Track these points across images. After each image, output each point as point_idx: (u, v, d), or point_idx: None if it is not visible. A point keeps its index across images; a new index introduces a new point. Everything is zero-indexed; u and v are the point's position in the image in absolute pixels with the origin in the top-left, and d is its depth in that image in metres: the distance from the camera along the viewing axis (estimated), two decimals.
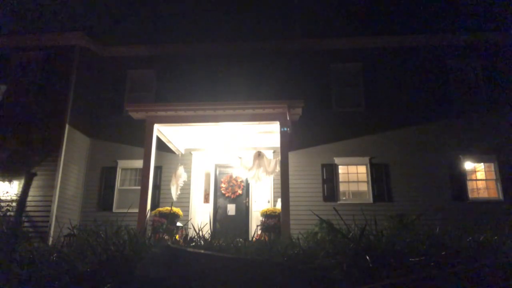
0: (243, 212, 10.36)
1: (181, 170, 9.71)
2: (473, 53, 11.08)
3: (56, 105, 10.15)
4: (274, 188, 10.12)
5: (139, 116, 8.82)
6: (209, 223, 7.76)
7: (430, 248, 1.81)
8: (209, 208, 10.43)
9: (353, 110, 10.90)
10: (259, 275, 1.14)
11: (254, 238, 3.98)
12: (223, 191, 10.58)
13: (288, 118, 8.44)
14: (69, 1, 12.75)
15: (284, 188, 7.82)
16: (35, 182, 9.43)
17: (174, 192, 9.47)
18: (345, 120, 10.72)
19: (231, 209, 10.42)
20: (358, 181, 10.33)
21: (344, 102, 11.03)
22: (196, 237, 3.09)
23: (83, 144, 10.73)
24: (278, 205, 8.74)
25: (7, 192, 9.41)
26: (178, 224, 8.94)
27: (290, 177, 8.26)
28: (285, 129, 8.23)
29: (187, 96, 10.68)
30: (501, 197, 9.78)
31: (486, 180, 10.27)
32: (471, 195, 9.95)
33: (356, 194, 10.27)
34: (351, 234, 2.21)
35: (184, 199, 9.94)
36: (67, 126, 9.96)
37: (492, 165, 10.16)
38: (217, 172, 10.78)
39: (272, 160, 9.58)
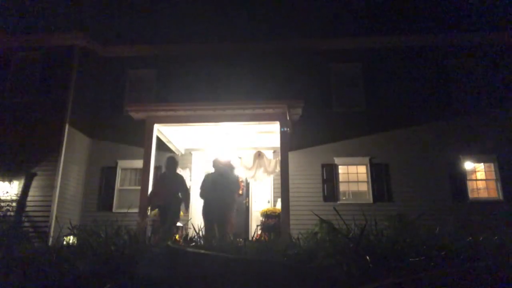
0: (243, 212, 10.35)
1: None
2: (473, 53, 11.08)
3: (56, 105, 10.15)
4: (274, 188, 10.12)
5: (139, 116, 8.82)
6: None
7: (430, 248, 1.81)
8: None
9: (353, 110, 10.90)
10: (259, 275, 1.14)
11: (254, 238, 3.98)
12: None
13: (288, 118, 8.44)
14: (69, 1, 12.75)
15: (284, 188, 7.82)
16: (35, 182, 9.44)
17: None
18: (345, 120, 10.72)
19: None
20: (358, 181, 10.33)
21: (344, 102, 11.03)
22: (196, 237, 3.09)
23: (83, 144, 10.73)
24: (278, 205, 8.74)
25: (7, 192, 9.40)
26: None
27: (290, 177, 8.26)
28: (285, 129, 8.23)
29: (187, 96, 10.68)
30: (501, 197, 9.79)
31: (486, 180, 10.27)
32: (471, 195, 9.95)
33: (356, 194, 10.27)
34: (351, 234, 2.21)
35: None
36: (67, 126, 9.96)
37: (492, 165, 10.17)
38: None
39: (272, 160, 9.58)
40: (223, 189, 6.84)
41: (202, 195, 6.97)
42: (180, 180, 7.18)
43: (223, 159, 7.44)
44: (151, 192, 7.51)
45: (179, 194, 7.00)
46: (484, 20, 11.75)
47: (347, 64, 11.43)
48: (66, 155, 9.84)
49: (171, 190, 6.91)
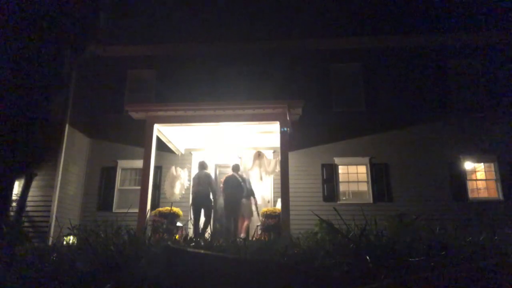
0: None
1: (173, 170, 9.72)
2: (473, 53, 11.08)
3: (56, 105, 10.14)
4: (274, 188, 10.12)
5: (139, 116, 8.82)
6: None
7: (430, 248, 1.81)
8: None
9: (353, 110, 10.90)
10: (259, 275, 1.14)
11: (254, 238, 3.99)
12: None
13: (288, 118, 8.44)
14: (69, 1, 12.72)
15: (284, 188, 7.82)
16: (35, 182, 9.44)
17: (170, 193, 9.55)
18: (345, 120, 10.72)
19: None
20: (358, 181, 10.33)
21: (344, 102, 11.03)
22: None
23: (83, 144, 10.73)
24: (278, 205, 8.74)
25: None
26: (178, 224, 8.94)
27: (290, 177, 8.26)
28: (285, 129, 8.23)
29: (187, 96, 10.68)
30: (501, 197, 9.79)
31: (486, 180, 10.27)
32: (471, 195, 9.95)
33: (356, 194, 10.27)
34: (351, 234, 2.21)
35: (184, 199, 9.95)
36: (67, 126, 9.96)
37: (492, 165, 10.17)
38: (217, 172, 10.78)
39: (272, 160, 9.58)
40: (239, 191, 8.66)
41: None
42: (209, 178, 8.85)
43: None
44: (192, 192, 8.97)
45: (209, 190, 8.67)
46: (484, 20, 11.74)
47: (347, 64, 11.43)
48: (66, 155, 9.84)
49: (204, 187, 8.59)
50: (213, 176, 10.45)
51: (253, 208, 8.88)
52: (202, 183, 8.65)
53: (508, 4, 11.68)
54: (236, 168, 9.05)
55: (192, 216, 8.68)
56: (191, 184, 9.29)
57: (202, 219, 8.65)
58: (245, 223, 8.63)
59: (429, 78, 10.96)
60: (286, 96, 10.21)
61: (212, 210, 8.93)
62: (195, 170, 10.56)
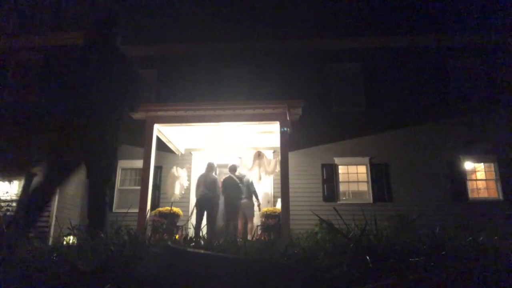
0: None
1: (175, 170, 9.74)
2: (473, 53, 11.08)
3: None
4: (274, 188, 10.12)
5: (139, 116, 8.82)
6: None
7: (430, 248, 1.81)
8: None
9: (353, 110, 10.91)
10: (259, 275, 1.14)
11: (254, 238, 3.99)
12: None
13: (288, 118, 8.44)
14: (69, 1, 12.74)
15: (284, 188, 7.82)
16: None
17: (171, 193, 9.55)
18: (345, 120, 10.72)
19: None
20: (358, 181, 10.33)
21: (344, 102, 11.04)
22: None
23: None
24: (278, 205, 8.74)
25: (7, 192, 9.41)
26: (178, 224, 8.95)
27: (290, 177, 8.25)
28: (285, 129, 8.23)
29: (187, 96, 10.69)
30: (501, 197, 9.79)
31: (486, 180, 10.27)
32: (471, 195, 9.95)
33: (356, 194, 10.27)
34: (351, 234, 2.21)
35: (184, 199, 9.96)
36: None
37: (492, 165, 10.17)
38: (217, 172, 10.77)
39: (272, 160, 9.59)
40: (238, 192, 8.59)
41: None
42: (215, 181, 8.74)
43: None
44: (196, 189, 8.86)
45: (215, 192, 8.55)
46: (484, 20, 11.74)
47: (347, 64, 11.43)
48: None
49: (210, 191, 8.48)
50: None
51: (256, 209, 8.84)
52: (209, 186, 8.51)
53: (508, 4, 11.68)
54: (232, 168, 8.96)
55: (193, 216, 8.64)
56: (196, 184, 9.08)
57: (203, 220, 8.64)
58: (249, 224, 8.56)
59: (429, 78, 10.96)
60: (286, 96, 10.20)
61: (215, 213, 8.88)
62: (195, 170, 10.57)
